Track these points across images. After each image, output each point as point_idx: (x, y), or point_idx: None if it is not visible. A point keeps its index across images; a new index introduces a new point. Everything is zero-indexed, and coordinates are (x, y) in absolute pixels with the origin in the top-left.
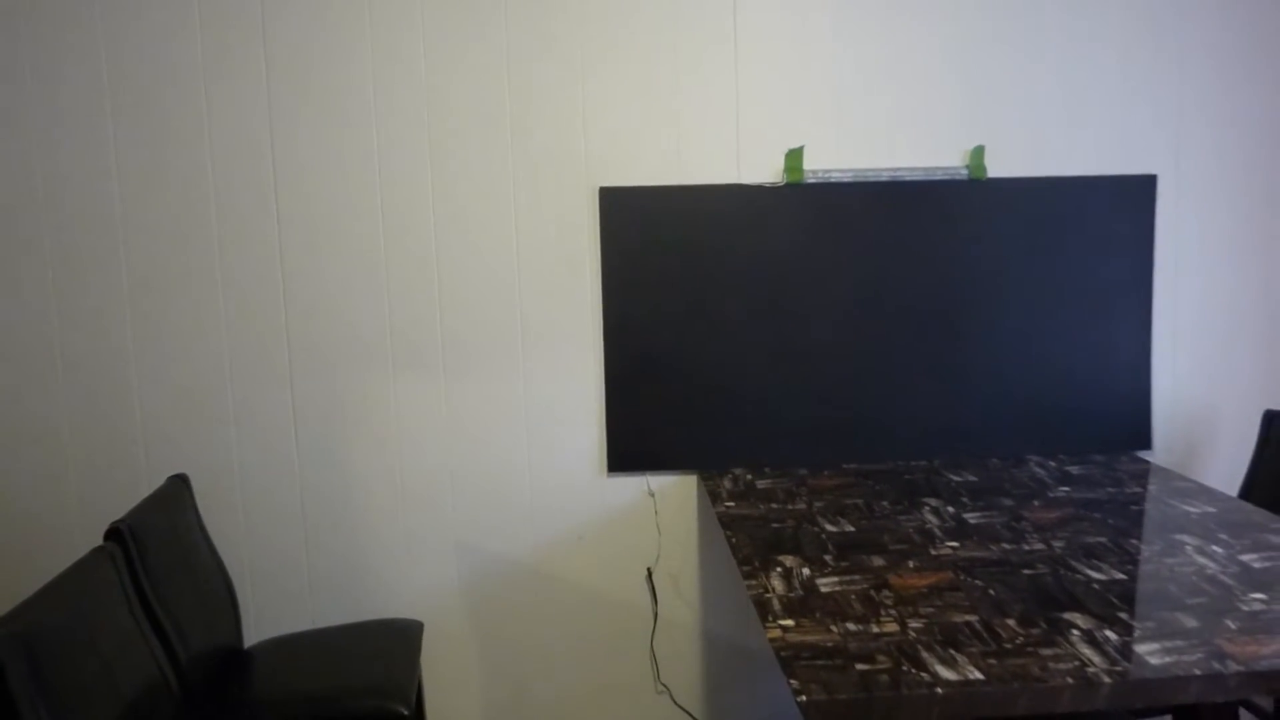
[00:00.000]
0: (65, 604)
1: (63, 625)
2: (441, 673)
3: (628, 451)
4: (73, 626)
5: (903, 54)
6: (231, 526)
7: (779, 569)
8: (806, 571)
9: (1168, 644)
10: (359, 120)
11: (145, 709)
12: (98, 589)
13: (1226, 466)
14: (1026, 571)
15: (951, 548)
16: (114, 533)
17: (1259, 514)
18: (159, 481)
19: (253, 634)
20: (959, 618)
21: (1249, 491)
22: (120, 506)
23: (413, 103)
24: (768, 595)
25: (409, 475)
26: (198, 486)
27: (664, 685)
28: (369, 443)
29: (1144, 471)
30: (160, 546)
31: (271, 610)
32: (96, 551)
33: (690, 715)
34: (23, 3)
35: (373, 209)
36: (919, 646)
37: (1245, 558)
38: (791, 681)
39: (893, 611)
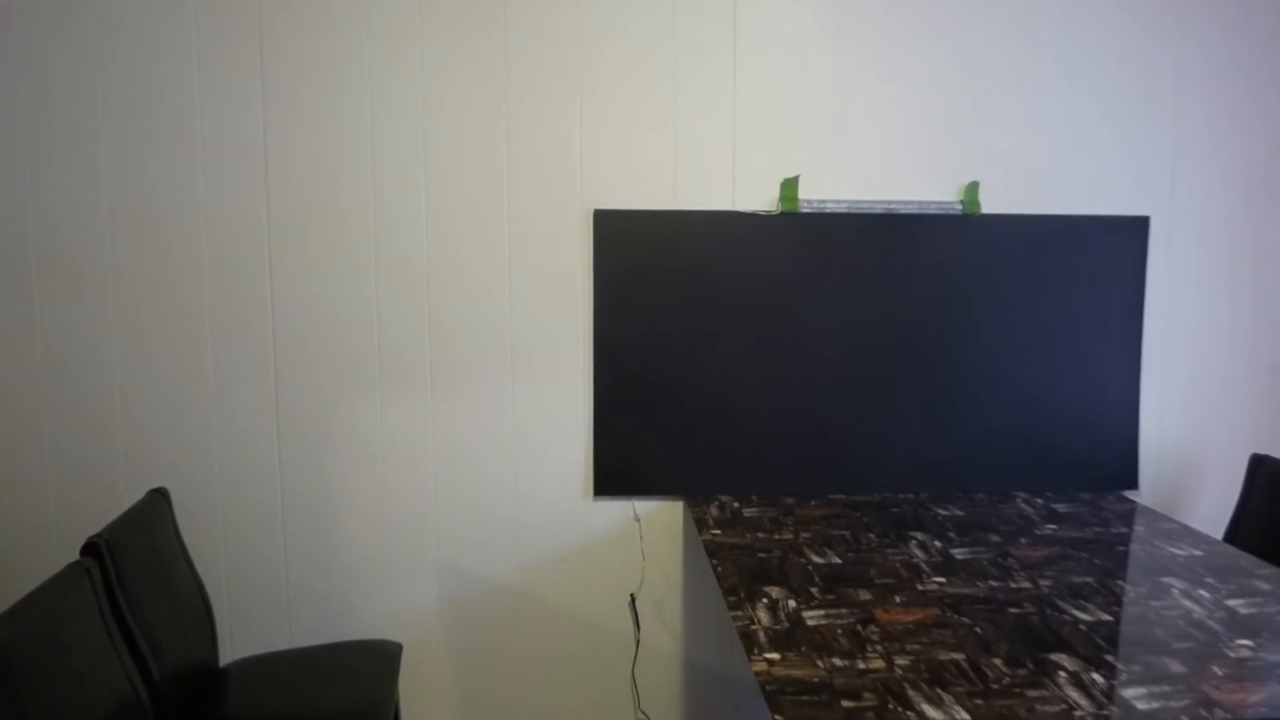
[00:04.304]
0: (39, 620)
1: (36, 642)
2: (420, 695)
3: (614, 476)
4: (46, 643)
5: (900, 88)
6: (211, 541)
7: (765, 600)
8: (792, 604)
9: (1155, 689)
10: (354, 136)
11: None
12: (73, 605)
13: (1212, 509)
14: (1013, 610)
15: (938, 583)
16: (91, 547)
17: (1245, 558)
18: (139, 492)
19: (228, 651)
20: (945, 655)
21: (1234, 535)
22: (99, 517)
23: (408, 120)
24: (753, 627)
25: (393, 494)
26: (178, 499)
27: (644, 712)
28: (353, 461)
29: (1130, 511)
30: (137, 562)
31: (249, 627)
32: (73, 566)
33: None
34: (17, 2)
35: (365, 225)
36: (905, 684)
37: (1232, 603)
38: (776, 717)
39: (879, 647)
